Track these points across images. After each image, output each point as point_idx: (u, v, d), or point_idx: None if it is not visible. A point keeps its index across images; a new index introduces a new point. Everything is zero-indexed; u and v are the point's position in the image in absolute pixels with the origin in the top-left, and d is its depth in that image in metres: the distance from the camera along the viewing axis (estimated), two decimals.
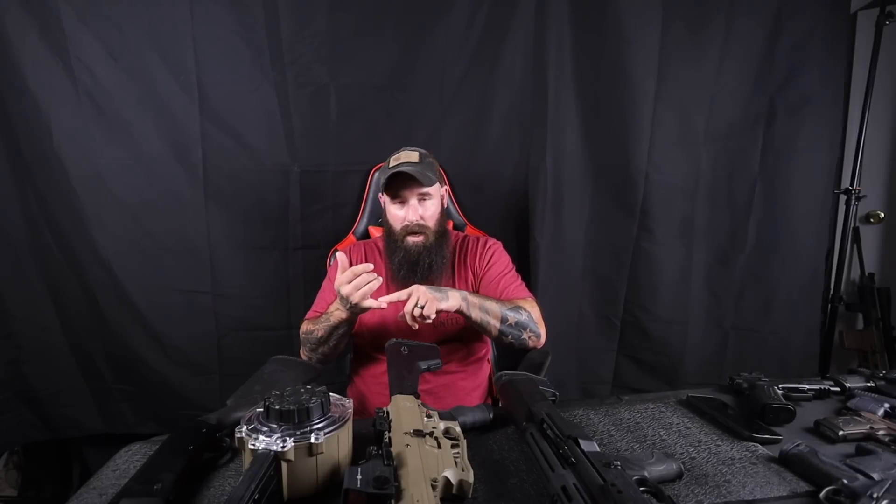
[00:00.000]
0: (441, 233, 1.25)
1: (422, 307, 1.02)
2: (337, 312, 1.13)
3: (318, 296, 1.30)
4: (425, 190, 1.21)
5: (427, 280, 1.20)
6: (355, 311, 1.09)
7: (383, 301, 1.06)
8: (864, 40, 1.83)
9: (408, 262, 1.20)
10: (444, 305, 1.06)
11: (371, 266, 1.03)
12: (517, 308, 1.16)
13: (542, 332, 1.20)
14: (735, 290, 1.78)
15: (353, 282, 1.03)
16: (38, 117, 1.46)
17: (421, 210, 1.21)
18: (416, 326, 1.04)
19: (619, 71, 1.63)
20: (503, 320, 1.13)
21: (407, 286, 1.19)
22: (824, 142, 1.74)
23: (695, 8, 1.62)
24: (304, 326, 1.22)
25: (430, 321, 1.04)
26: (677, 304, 1.77)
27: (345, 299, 1.06)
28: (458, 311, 1.10)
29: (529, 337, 1.17)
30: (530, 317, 1.17)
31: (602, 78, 1.65)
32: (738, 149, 1.71)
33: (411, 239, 1.21)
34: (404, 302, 1.04)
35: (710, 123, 1.69)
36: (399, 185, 1.19)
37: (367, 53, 1.58)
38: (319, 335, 1.16)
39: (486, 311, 1.12)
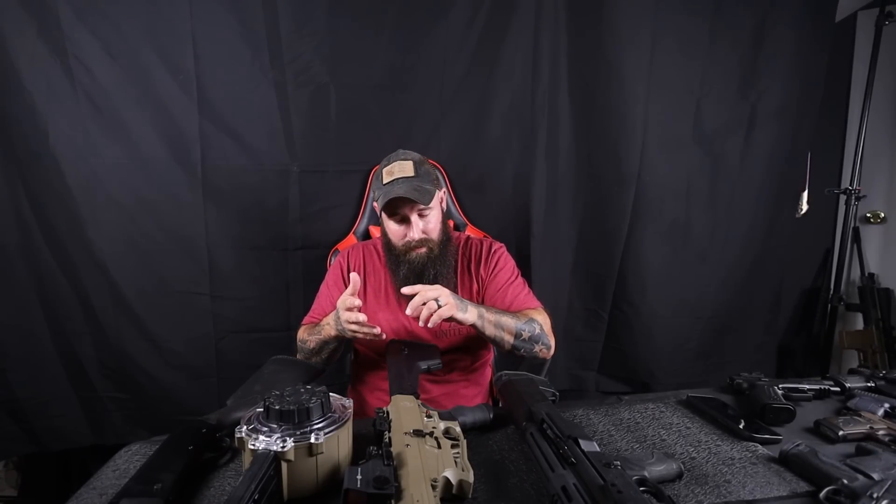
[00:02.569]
0: (444, 240, 1.21)
1: (440, 305, 0.98)
2: (327, 328, 1.10)
3: (316, 301, 1.27)
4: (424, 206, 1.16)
5: None
6: (345, 336, 1.07)
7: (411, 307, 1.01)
8: (865, 40, 1.83)
9: (414, 275, 1.16)
10: (460, 316, 1.02)
11: (358, 303, 1.01)
12: (530, 321, 1.13)
13: (552, 342, 1.17)
14: (714, 286, 1.87)
15: (345, 314, 1.01)
16: (34, 116, 1.44)
17: (422, 225, 1.16)
18: (419, 321, 1.00)
19: (613, 73, 1.66)
20: (517, 335, 1.10)
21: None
22: (805, 146, 1.81)
23: (683, 13, 1.65)
24: (300, 333, 1.21)
25: (432, 325, 1.00)
26: (662, 299, 1.84)
27: (339, 322, 1.04)
28: (474, 327, 1.07)
29: (540, 349, 1.14)
30: (542, 329, 1.14)
31: (598, 80, 1.68)
32: (720, 152, 1.78)
33: (415, 252, 1.16)
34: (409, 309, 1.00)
35: (697, 127, 1.75)
36: (397, 203, 1.13)
37: (367, 53, 1.57)
38: (311, 346, 1.15)
39: (500, 328, 1.09)
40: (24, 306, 1.55)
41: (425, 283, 1.14)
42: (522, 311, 1.17)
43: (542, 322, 1.15)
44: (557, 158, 1.72)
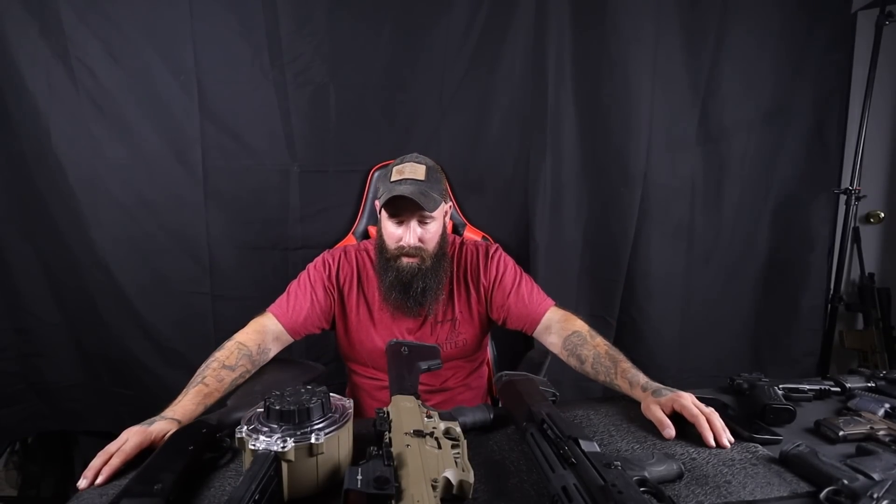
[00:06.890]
0: (440, 255, 1.15)
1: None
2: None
3: (292, 294, 1.18)
4: (427, 213, 1.09)
5: (420, 305, 1.12)
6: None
7: None
8: (864, 40, 1.83)
9: (400, 284, 1.11)
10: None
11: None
12: (610, 347, 1.08)
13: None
14: (721, 288, 1.84)
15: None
16: (37, 117, 1.45)
17: (420, 232, 1.10)
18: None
19: (618, 71, 1.65)
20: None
21: (399, 308, 1.12)
22: (806, 146, 1.80)
23: (687, 9, 1.65)
24: (242, 336, 1.11)
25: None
26: (670, 303, 1.81)
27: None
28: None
29: None
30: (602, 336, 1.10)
31: (601, 78, 1.66)
32: (725, 152, 1.76)
33: (406, 260, 1.10)
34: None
35: (701, 126, 1.73)
36: (399, 203, 1.07)
37: (367, 53, 1.58)
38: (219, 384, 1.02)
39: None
40: (43, 298, 1.61)
41: (412, 295, 1.10)
42: (613, 352, 1.07)
43: (592, 332, 1.11)
44: (561, 158, 1.69)
